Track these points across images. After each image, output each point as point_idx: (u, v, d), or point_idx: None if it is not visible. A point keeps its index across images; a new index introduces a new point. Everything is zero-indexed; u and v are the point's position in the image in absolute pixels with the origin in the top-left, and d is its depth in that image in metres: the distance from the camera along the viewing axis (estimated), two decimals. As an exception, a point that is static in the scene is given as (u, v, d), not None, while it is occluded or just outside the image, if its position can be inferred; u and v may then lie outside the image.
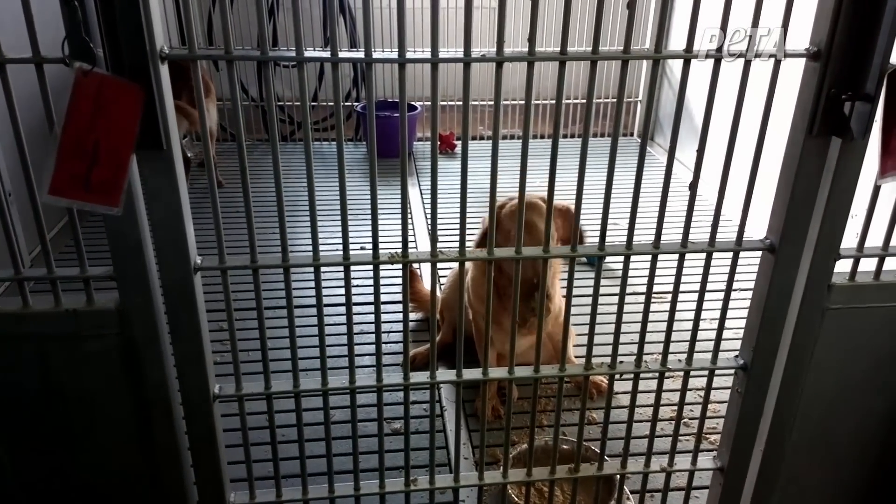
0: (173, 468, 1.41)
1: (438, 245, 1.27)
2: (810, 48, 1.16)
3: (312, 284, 1.29)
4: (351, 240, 1.27)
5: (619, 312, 1.39)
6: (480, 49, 1.12)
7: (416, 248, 3.30)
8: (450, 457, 2.16)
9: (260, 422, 1.94)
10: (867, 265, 1.42)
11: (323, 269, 1.27)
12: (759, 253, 1.37)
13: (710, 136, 1.24)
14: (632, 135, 5.13)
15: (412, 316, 2.85)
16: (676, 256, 1.34)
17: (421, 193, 4.06)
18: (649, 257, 1.33)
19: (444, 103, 4.94)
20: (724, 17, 1.14)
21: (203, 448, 1.38)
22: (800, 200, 1.28)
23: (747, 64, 1.16)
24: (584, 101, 1.18)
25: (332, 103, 1.19)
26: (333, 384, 1.37)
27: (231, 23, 1.09)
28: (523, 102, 1.16)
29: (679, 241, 1.33)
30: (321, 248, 1.26)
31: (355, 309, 1.33)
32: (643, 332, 1.41)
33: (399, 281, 1.27)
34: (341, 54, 1.10)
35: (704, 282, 1.37)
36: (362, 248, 3.21)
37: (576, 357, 2.51)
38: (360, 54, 1.11)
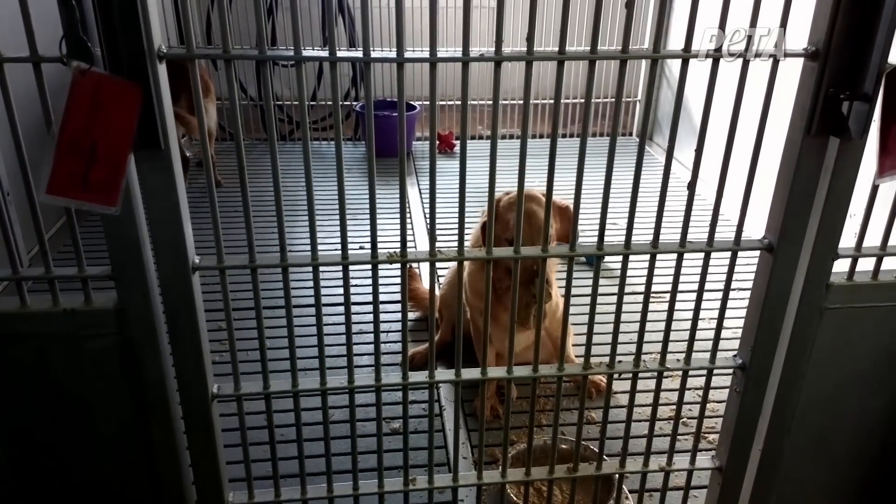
0: (172, 468, 1.40)
1: (437, 244, 1.27)
2: (808, 48, 1.17)
3: (311, 284, 1.29)
4: (350, 239, 1.27)
5: (618, 312, 1.39)
6: (479, 49, 1.12)
7: (415, 247, 3.30)
8: (448, 456, 2.16)
9: (259, 421, 1.95)
10: (865, 265, 1.42)
11: (322, 268, 1.27)
12: (758, 252, 1.37)
13: (709, 136, 1.24)
14: (631, 134, 5.13)
15: (411, 315, 2.85)
16: (675, 256, 1.34)
17: (420, 193, 4.06)
18: (648, 257, 1.33)
19: (443, 103, 4.94)
20: (723, 17, 1.14)
21: (201, 448, 1.38)
22: (798, 200, 1.28)
23: (746, 64, 1.17)
24: (583, 100, 1.18)
25: (330, 103, 1.19)
26: (332, 384, 1.37)
27: (229, 22, 1.09)
28: (522, 102, 1.16)
29: (678, 241, 1.33)
30: (320, 247, 1.26)
31: (354, 308, 1.33)
32: (642, 331, 1.41)
33: (398, 280, 1.27)
34: (340, 53, 1.10)
35: (703, 281, 1.38)
36: (361, 248, 3.21)
37: (576, 356, 2.51)
38: (359, 54, 1.11)
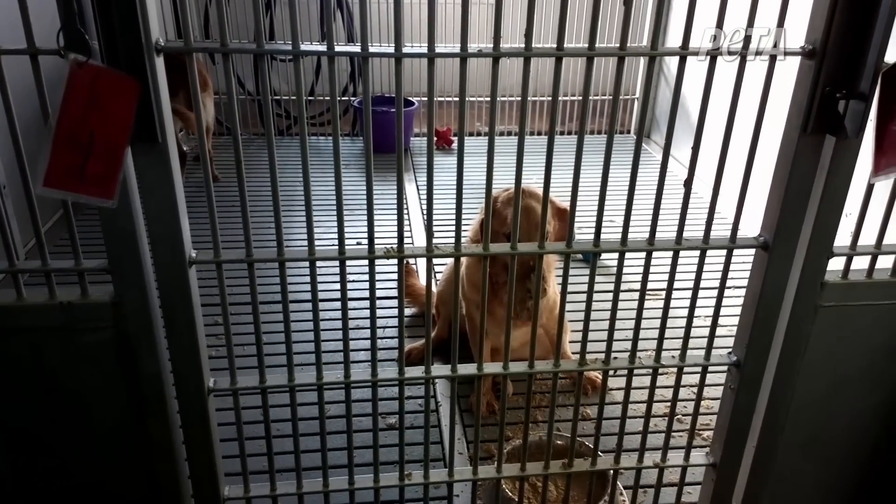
0: (167, 462, 1.41)
1: (434, 240, 1.27)
2: (805, 46, 1.17)
3: (308, 279, 1.29)
4: (347, 235, 1.27)
5: (614, 309, 1.39)
6: (477, 44, 1.12)
7: (412, 243, 3.30)
8: (444, 452, 2.16)
9: (255, 416, 1.94)
10: (860, 263, 1.42)
11: (318, 263, 1.27)
12: (753, 250, 1.37)
13: (706, 134, 1.24)
14: (629, 132, 5.13)
15: (407, 311, 2.86)
16: (671, 253, 1.34)
17: (417, 189, 4.06)
18: (644, 254, 1.34)
19: (441, 99, 4.93)
20: (721, 15, 1.14)
21: (198, 442, 1.38)
22: (794, 198, 1.28)
23: (743, 62, 1.17)
24: (581, 97, 1.19)
25: (328, 98, 1.19)
26: (328, 379, 1.37)
27: (227, 16, 1.09)
28: (520, 98, 1.16)
29: (673, 238, 1.34)
30: (317, 242, 1.27)
31: (351, 304, 1.33)
32: (637, 328, 1.42)
33: (395, 276, 1.26)
34: (337, 48, 1.10)
35: (698, 279, 1.38)
36: (358, 243, 3.21)
37: (572, 353, 2.51)
38: (357, 48, 1.11)
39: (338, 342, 2.59)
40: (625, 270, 1.35)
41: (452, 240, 1.28)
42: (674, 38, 4.32)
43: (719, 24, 1.13)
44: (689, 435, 1.56)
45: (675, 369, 1.47)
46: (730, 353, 1.49)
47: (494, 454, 1.94)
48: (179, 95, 3.24)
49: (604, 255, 2.97)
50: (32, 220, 1.22)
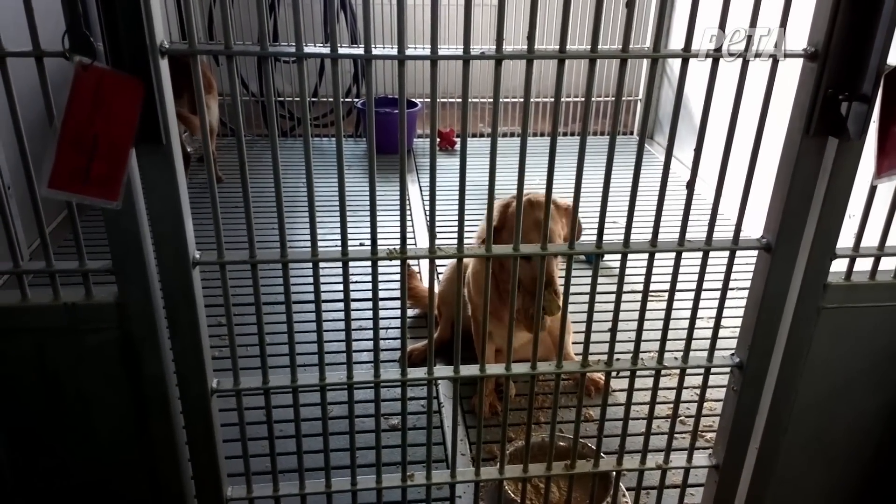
0: (171, 463, 1.41)
1: (437, 242, 1.27)
2: (808, 48, 1.17)
3: (311, 280, 1.29)
4: (350, 236, 1.27)
5: (617, 310, 1.39)
6: (480, 46, 1.12)
7: (415, 244, 3.30)
8: (447, 453, 2.16)
9: (258, 417, 1.95)
10: (863, 265, 1.42)
11: (321, 264, 1.28)
12: (756, 252, 1.37)
13: (709, 135, 1.24)
14: (632, 133, 5.13)
15: (410, 312, 2.86)
16: (673, 255, 1.34)
17: (420, 190, 4.07)
18: (647, 255, 1.34)
19: (445, 100, 4.94)
20: (723, 17, 1.14)
21: (201, 442, 1.38)
22: (796, 200, 1.28)
23: (745, 64, 1.17)
24: (584, 99, 1.19)
25: (332, 99, 1.20)
26: (331, 379, 1.38)
27: (231, 18, 1.10)
28: (523, 100, 1.16)
29: (676, 240, 1.34)
30: (320, 243, 1.27)
31: (353, 305, 1.34)
32: (640, 329, 1.42)
33: (397, 277, 1.27)
34: (341, 50, 1.10)
35: (701, 280, 1.38)
36: (361, 245, 3.21)
37: (576, 354, 2.51)
38: (360, 50, 1.11)
39: (340, 343, 2.60)
40: (627, 272, 1.35)
41: (455, 241, 1.28)
42: (677, 40, 4.32)
43: (721, 26, 1.14)
44: (692, 436, 1.56)
45: (677, 371, 1.47)
46: (732, 354, 1.49)
47: (497, 455, 1.95)
48: (184, 98, 3.25)
49: (606, 257, 2.97)
50: (37, 221, 1.23)
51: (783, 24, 1.14)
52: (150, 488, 1.45)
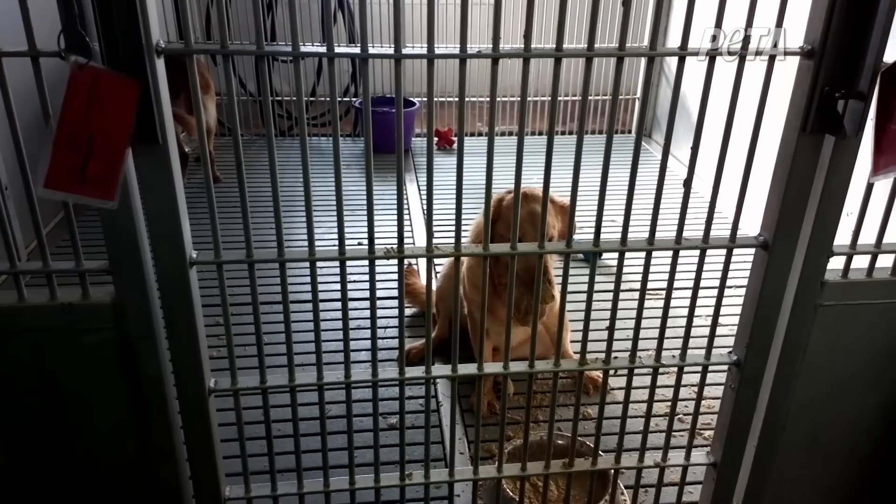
0: (168, 462, 1.41)
1: (434, 240, 1.27)
2: (804, 46, 1.17)
3: (308, 279, 1.29)
4: (347, 235, 1.27)
5: (614, 308, 1.39)
6: (477, 45, 1.12)
7: (412, 243, 3.30)
8: (445, 451, 2.16)
9: (255, 416, 1.95)
10: (860, 262, 1.42)
11: (319, 264, 1.28)
12: (753, 250, 1.37)
13: (706, 134, 1.24)
14: (629, 131, 5.13)
15: (408, 311, 2.86)
16: (671, 253, 1.34)
17: (418, 189, 4.07)
18: (644, 253, 1.34)
19: (442, 99, 4.94)
20: (720, 15, 1.14)
21: (198, 442, 1.38)
22: (793, 198, 1.28)
23: (742, 62, 1.17)
24: (580, 97, 1.19)
25: (329, 98, 1.19)
26: (329, 379, 1.38)
27: (228, 17, 1.09)
28: (519, 99, 1.16)
29: (673, 238, 1.34)
30: (317, 243, 1.27)
31: (351, 304, 1.34)
32: (638, 327, 1.42)
33: (395, 276, 1.27)
34: (337, 49, 1.10)
35: (698, 278, 1.38)
36: (359, 244, 3.21)
37: (574, 353, 2.51)
38: (357, 50, 1.11)
39: (338, 342, 2.58)
40: (625, 270, 1.35)
41: (453, 240, 1.28)
42: (674, 38, 4.32)
43: (718, 24, 1.14)
44: (690, 434, 1.56)
45: (675, 369, 1.48)
46: (730, 352, 1.49)
47: (495, 454, 1.95)
48: (181, 98, 3.23)
49: (604, 255, 2.97)
50: (34, 222, 1.23)
51: (780, 22, 1.14)
52: (149, 488, 1.45)
